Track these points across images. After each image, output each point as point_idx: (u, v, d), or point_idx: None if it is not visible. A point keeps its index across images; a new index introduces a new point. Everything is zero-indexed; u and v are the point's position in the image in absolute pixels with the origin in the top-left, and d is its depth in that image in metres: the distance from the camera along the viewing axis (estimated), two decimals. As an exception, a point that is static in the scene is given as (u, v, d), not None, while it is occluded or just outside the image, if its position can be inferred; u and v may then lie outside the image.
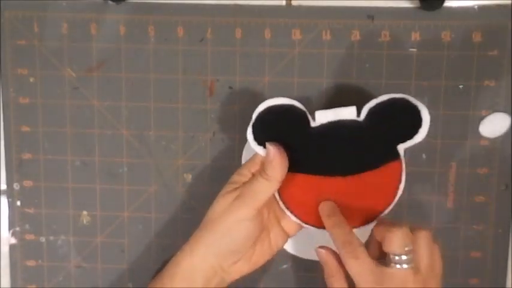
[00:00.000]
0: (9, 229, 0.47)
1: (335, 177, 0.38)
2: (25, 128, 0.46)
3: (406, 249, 0.33)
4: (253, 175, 0.37)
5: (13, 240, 0.47)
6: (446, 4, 0.42)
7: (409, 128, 0.37)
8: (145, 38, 0.44)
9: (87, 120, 0.45)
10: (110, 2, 0.44)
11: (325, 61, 0.43)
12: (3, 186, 0.47)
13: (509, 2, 0.42)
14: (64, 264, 0.47)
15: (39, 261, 0.47)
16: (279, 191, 0.38)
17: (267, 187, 0.36)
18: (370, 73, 0.43)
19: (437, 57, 0.43)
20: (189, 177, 0.46)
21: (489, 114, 0.43)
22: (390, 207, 0.38)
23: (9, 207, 0.47)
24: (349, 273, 0.34)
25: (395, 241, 0.33)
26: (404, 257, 0.33)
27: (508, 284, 0.44)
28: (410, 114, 0.37)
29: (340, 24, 0.43)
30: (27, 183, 0.47)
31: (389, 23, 0.42)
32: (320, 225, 0.38)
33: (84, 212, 0.47)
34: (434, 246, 0.35)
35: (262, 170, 0.36)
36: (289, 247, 0.44)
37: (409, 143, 0.37)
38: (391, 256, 0.34)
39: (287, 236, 0.40)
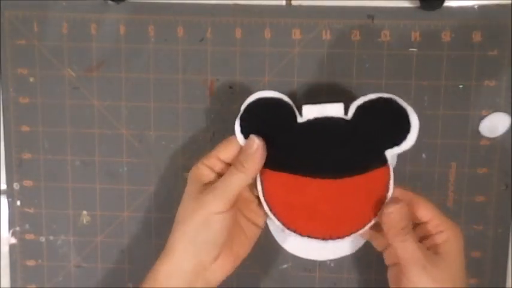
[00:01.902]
0: (9, 229, 0.47)
1: (320, 179, 0.36)
2: (25, 128, 0.46)
3: None
4: (211, 169, 0.37)
5: (13, 240, 0.47)
6: (446, 4, 0.42)
7: (398, 132, 0.35)
8: (145, 38, 0.44)
9: (87, 120, 0.45)
10: (110, 2, 0.44)
11: (325, 61, 0.43)
12: (3, 186, 0.47)
13: (509, 2, 0.42)
14: (64, 264, 0.47)
15: (39, 261, 0.47)
16: (263, 191, 0.37)
17: (242, 180, 0.35)
18: (370, 73, 0.43)
19: (437, 57, 0.43)
20: (189, 177, 0.46)
21: (489, 114, 0.43)
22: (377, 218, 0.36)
23: (9, 207, 0.47)
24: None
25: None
26: None
27: (508, 284, 0.44)
28: (399, 117, 0.35)
29: (340, 24, 0.43)
30: (27, 183, 0.47)
31: (389, 23, 0.42)
32: (303, 232, 0.37)
33: (84, 212, 0.47)
34: None
35: (238, 162, 0.35)
36: (289, 247, 0.44)
37: (397, 150, 0.35)
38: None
39: (258, 226, 0.39)
